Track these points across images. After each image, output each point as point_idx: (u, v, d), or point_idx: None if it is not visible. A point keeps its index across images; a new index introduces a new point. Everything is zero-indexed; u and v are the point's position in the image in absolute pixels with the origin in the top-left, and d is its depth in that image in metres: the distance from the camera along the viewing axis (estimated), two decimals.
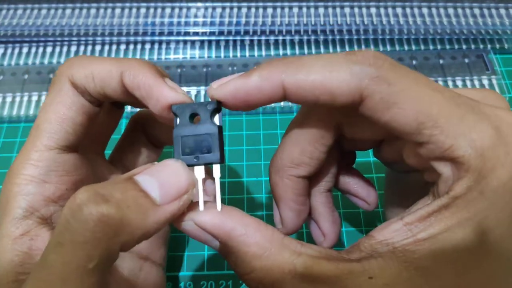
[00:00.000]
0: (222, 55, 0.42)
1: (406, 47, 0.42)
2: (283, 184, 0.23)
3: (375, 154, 0.24)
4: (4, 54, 0.43)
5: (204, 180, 0.19)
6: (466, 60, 0.41)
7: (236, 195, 0.34)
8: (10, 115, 0.39)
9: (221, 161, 0.19)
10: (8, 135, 0.38)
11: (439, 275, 0.17)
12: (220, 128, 0.19)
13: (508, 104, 0.20)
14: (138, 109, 0.29)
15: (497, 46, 0.42)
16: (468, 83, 0.40)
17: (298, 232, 0.28)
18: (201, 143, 0.19)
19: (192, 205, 0.19)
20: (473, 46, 0.42)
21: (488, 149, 0.17)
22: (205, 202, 0.19)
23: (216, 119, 0.19)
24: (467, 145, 0.17)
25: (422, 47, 0.42)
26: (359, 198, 0.25)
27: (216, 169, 0.19)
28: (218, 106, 0.19)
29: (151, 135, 0.27)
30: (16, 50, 0.43)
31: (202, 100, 0.39)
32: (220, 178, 0.20)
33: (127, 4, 0.44)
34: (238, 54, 0.42)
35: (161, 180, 0.18)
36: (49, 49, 0.43)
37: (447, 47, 0.42)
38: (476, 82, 0.40)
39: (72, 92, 0.21)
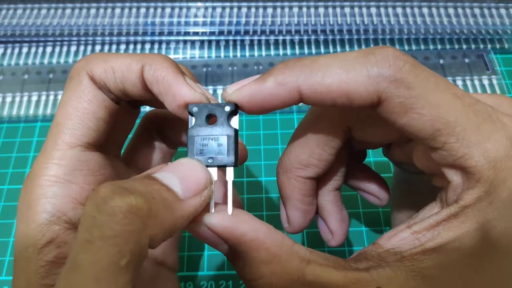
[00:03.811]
0: (222, 55, 0.42)
1: (406, 47, 0.42)
2: (290, 185, 0.22)
3: (384, 153, 0.24)
4: (4, 54, 0.43)
5: (225, 182, 0.19)
6: (466, 60, 0.41)
7: None
8: (10, 115, 0.39)
9: (236, 164, 0.19)
10: (8, 135, 0.38)
11: (447, 284, 0.17)
12: (236, 131, 0.19)
13: None
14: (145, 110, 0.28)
15: (497, 46, 0.42)
16: (468, 83, 0.40)
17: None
18: (216, 145, 0.19)
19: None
20: (473, 46, 0.42)
21: (501, 160, 0.16)
22: (215, 204, 0.18)
23: (233, 121, 0.19)
24: (481, 155, 0.17)
25: (422, 47, 0.42)
26: (370, 194, 0.25)
27: (230, 172, 0.19)
28: (236, 108, 0.19)
29: (167, 135, 0.26)
30: (16, 50, 0.43)
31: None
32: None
33: (127, 4, 0.44)
34: (238, 54, 0.42)
35: (181, 176, 0.17)
36: (49, 49, 0.43)
37: (447, 47, 0.42)
38: (476, 82, 0.40)
39: (92, 86, 0.20)
